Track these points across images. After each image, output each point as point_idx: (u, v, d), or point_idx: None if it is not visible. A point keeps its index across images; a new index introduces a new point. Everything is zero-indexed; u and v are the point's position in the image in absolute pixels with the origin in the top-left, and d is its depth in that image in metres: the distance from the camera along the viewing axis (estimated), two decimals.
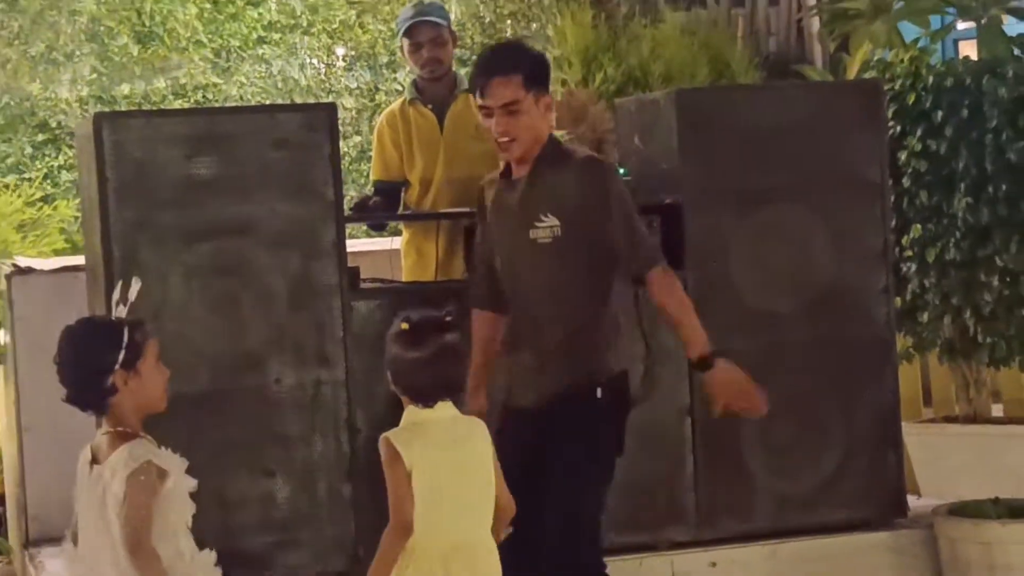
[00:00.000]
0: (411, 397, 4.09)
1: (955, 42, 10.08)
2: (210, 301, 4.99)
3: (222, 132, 5.06)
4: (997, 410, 7.14)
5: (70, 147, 8.32)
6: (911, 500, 5.81)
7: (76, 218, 7.70)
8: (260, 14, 8.89)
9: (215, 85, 8.77)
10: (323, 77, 8.94)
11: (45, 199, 8.04)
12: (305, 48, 8.93)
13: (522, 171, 4.68)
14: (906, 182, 6.50)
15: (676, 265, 5.38)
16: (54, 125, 8.53)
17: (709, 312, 5.41)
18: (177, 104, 8.63)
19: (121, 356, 3.83)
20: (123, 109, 8.34)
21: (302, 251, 5.08)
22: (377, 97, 8.83)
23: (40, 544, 5.90)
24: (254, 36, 8.88)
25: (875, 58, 7.45)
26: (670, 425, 5.42)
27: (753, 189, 5.50)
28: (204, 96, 8.72)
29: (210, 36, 8.79)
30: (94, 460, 3.87)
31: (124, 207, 4.94)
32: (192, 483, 3.88)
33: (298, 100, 8.79)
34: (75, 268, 5.95)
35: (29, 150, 8.49)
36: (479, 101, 4.66)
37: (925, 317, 6.52)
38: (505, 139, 4.63)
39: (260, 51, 8.88)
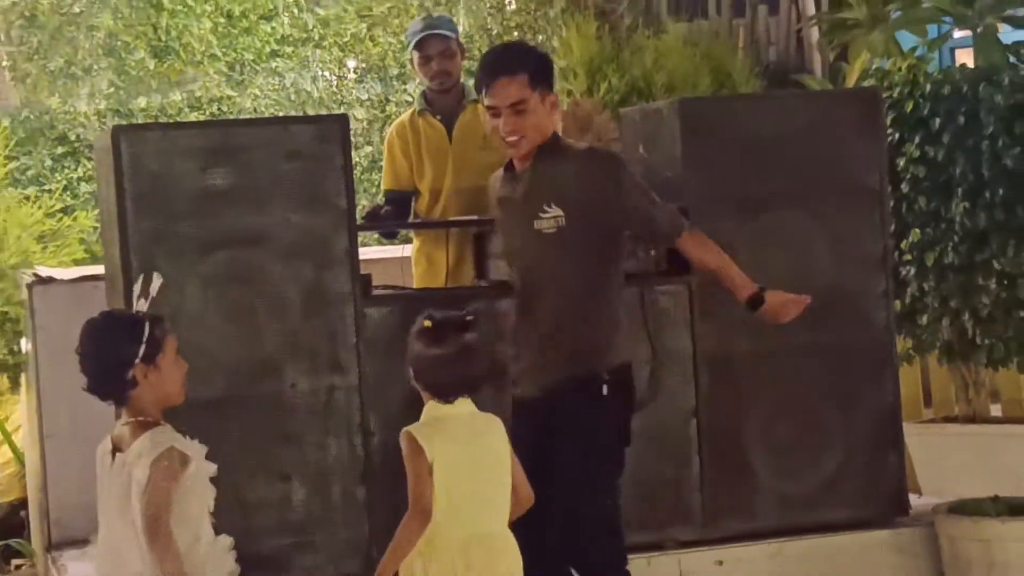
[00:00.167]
0: (432, 393, 4.12)
1: (952, 50, 10.09)
2: (226, 309, 4.99)
3: (237, 144, 5.05)
4: (996, 410, 7.13)
5: (89, 159, 8.32)
6: (912, 499, 5.79)
7: (95, 229, 7.70)
8: (273, 28, 8.88)
9: (229, 98, 8.77)
10: (335, 89, 8.93)
11: (65, 210, 8.04)
12: (317, 61, 8.93)
13: (525, 164, 4.68)
14: (905, 188, 6.50)
15: (680, 270, 5.40)
16: (73, 138, 8.53)
17: (712, 315, 5.43)
18: (193, 117, 8.63)
19: (141, 351, 3.84)
20: (140, 122, 8.34)
21: (315, 259, 5.08)
22: (388, 108, 8.83)
23: (62, 547, 5.91)
24: (267, 50, 8.88)
25: (873, 67, 7.44)
26: (676, 427, 5.41)
27: (755, 196, 5.49)
28: (219, 109, 8.72)
29: (224, 50, 8.79)
30: (116, 449, 3.88)
31: (141, 218, 4.94)
32: (212, 468, 3.91)
33: (311, 112, 8.79)
34: (94, 277, 5.95)
35: (49, 162, 8.49)
36: (485, 101, 4.66)
37: (924, 320, 6.52)
38: (513, 137, 4.63)
39: (273, 64, 8.88)
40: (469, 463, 4.07)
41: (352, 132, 5.27)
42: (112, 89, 8.65)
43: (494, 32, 9.08)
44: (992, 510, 5.52)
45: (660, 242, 4.74)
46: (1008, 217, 6.29)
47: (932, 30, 8.18)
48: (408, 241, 6.52)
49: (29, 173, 8.42)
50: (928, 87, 6.52)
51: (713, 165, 5.46)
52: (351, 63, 8.94)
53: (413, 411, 4.23)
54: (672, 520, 5.42)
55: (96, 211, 7.37)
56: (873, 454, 5.61)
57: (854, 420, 5.57)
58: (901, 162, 6.49)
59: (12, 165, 8.24)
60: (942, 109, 6.44)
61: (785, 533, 5.50)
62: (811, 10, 10.65)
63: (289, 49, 8.90)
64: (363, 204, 6.65)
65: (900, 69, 6.73)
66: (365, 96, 8.95)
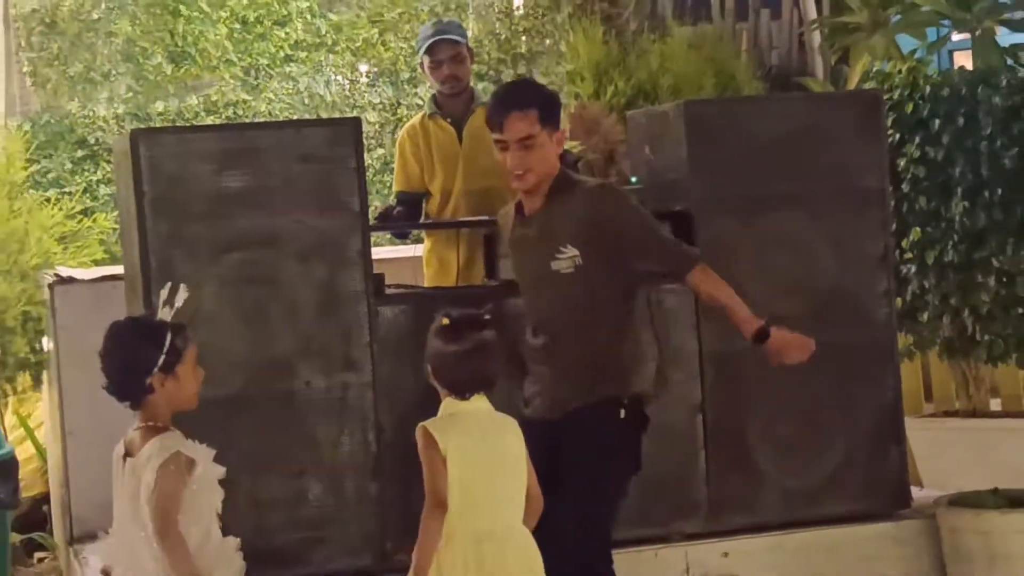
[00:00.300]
0: (449, 389, 4.13)
1: (950, 53, 10.06)
2: (242, 309, 4.98)
3: (252, 147, 5.05)
4: (995, 405, 7.12)
5: (108, 162, 8.32)
6: (914, 492, 5.79)
7: (114, 230, 7.70)
8: (287, 34, 8.88)
9: (245, 102, 8.76)
10: (347, 93, 8.93)
11: (85, 212, 8.04)
12: (330, 65, 8.93)
13: (535, 205, 4.68)
14: (905, 188, 6.48)
15: None
16: (92, 142, 8.53)
17: (717, 315, 5.41)
18: (209, 120, 8.63)
19: (161, 360, 3.86)
20: (158, 126, 8.34)
21: (329, 260, 5.07)
22: (399, 112, 8.82)
23: (83, 541, 5.92)
24: (281, 55, 8.88)
25: (874, 69, 7.42)
26: (682, 423, 5.40)
27: (759, 196, 5.48)
28: (234, 112, 8.72)
29: (240, 55, 8.79)
30: (128, 454, 3.90)
31: (159, 219, 4.94)
32: (220, 471, 3.92)
33: (324, 115, 8.78)
34: (114, 277, 5.96)
35: (69, 165, 8.49)
36: (495, 136, 4.65)
37: (925, 317, 6.50)
38: (520, 171, 4.62)
39: (287, 69, 8.87)
40: (483, 458, 4.07)
41: (364, 135, 5.25)
42: (130, 94, 8.66)
43: (503, 37, 9.06)
44: (992, 502, 5.51)
45: (671, 275, 4.72)
46: (1006, 216, 6.27)
47: (931, 33, 8.15)
48: (420, 241, 6.51)
49: (50, 176, 8.42)
50: (927, 89, 6.51)
51: (717, 166, 5.45)
52: (363, 67, 8.94)
53: (426, 408, 4.23)
54: (679, 513, 5.42)
55: (115, 213, 7.37)
56: (875, 448, 5.60)
57: (856, 415, 5.56)
58: (901, 162, 6.48)
59: (33, 168, 8.24)
60: (941, 110, 6.43)
61: (789, 526, 5.49)
62: (813, 14, 10.62)
63: (303, 54, 8.90)
64: (376, 205, 6.65)
65: (900, 72, 6.71)
66: (377, 100, 8.95)
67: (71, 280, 6.37)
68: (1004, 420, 6.90)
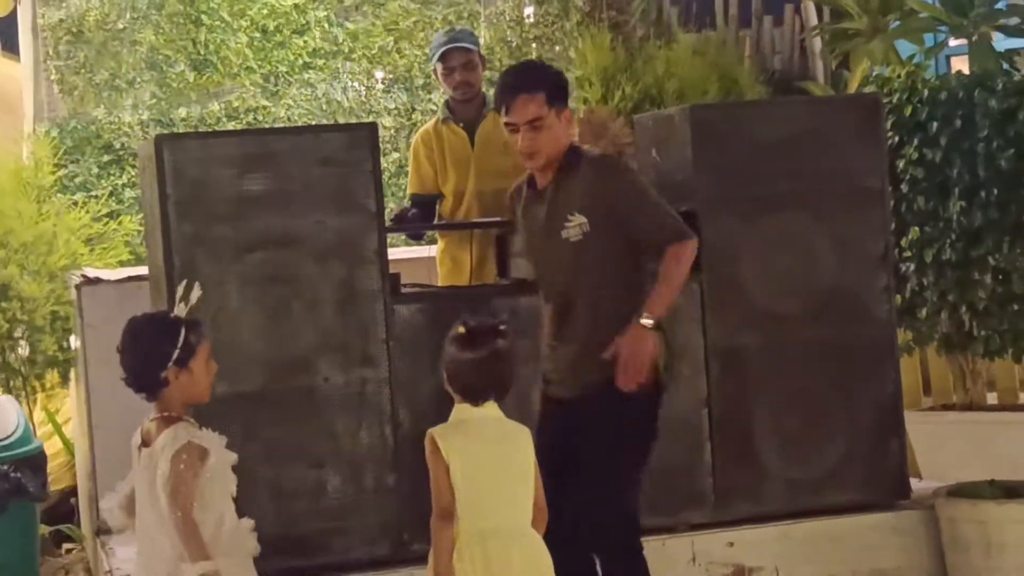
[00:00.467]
0: (463, 395, 4.09)
1: (948, 58, 10.04)
2: (263, 308, 4.99)
3: (272, 151, 5.06)
4: (992, 398, 7.11)
5: (133, 167, 8.33)
6: (913, 483, 5.78)
7: (139, 232, 7.71)
8: (305, 42, 8.88)
9: (265, 108, 8.77)
10: (364, 99, 8.92)
11: (110, 215, 8.05)
12: (347, 72, 8.92)
13: (546, 179, 4.65)
14: (904, 188, 6.47)
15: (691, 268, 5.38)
16: (118, 147, 8.54)
17: (722, 312, 5.42)
18: (230, 126, 8.62)
19: (175, 354, 3.88)
20: (181, 131, 8.35)
21: (347, 260, 5.08)
22: (414, 117, 8.82)
23: (110, 532, 5.92)
24: (300, 62, 8.87)
25: (874, 74, 7.42)
26: (689, 416, 5.40)
27: (762, 197, 5.48)
28: (255, 118, 8.72)
29: (260, 63, 8.79)
30: (144, 443, 3.93)
31: (183, 221, 4.95)
32: (232, 457, 3.94)
33: (341, 120, 8.77)
34: (139, 278, 5.97)
35: (95, 170, 8.49)
36: (504, 118, 4.62)
37: (924, 313, 6.49)
38: (530, 152, 4.60)
39: (306, 76, 8.87)
40: (488, 460, 4.03)
41: (380, 139, 5.25)
42: (154, 100, 8.66)
43: (514, 44, 9.06)
44: (989, 493, 5.50)
45: (654, 244, 4.52)
46: (1002, 215, 6.26)
47: (929, 39, 8.14)
48: (434, 242, 6.51)
49: (77, 180, 8.43)
50: (926, 93, 6.50)
51: (722, 168, 5.44)
52: (379, 74, 8.93)
53: (441, 402, 4.23)
54: (685, 504, 5.42)
55: (140, 215, 7.38)
56: (876, 441, 5.59)
57: (857, 409, 5.56)
58: (900, 164, 6.47)
59: (61, 173, 8.25)
60: (939, 113, 6.42)
61: (792, 516, 5.49)
62: (814, 20, 10.60)
63: (321, 61, 8.89)
64: (391, 207, 6.65)
65: (899, 76, 6.70)
66: (392, 105, 8.94)
67: (97, 280, 6.39)
68: (1001, 413, 6.88)
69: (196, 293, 3.96)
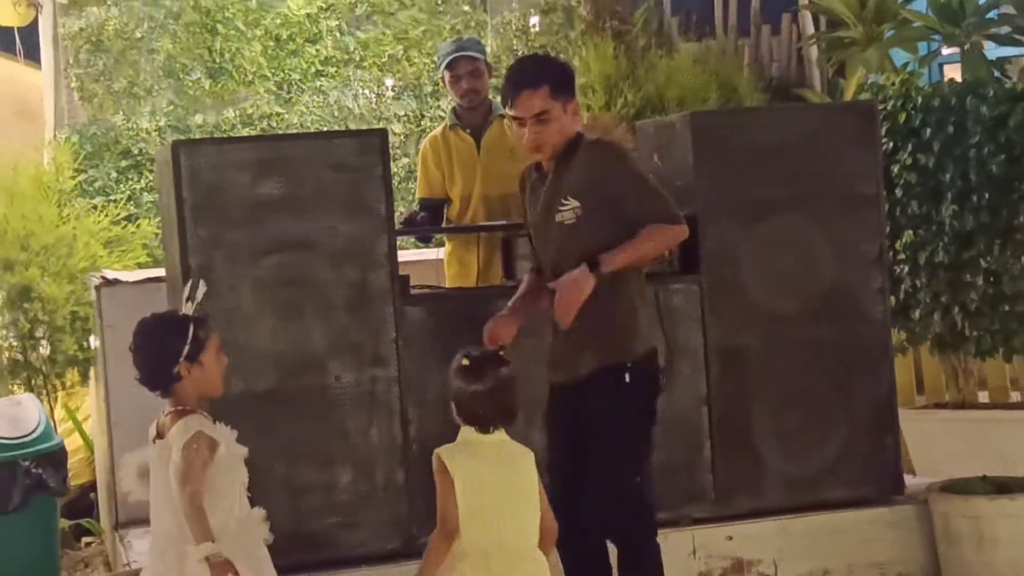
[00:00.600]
0: (472, 424, 4.07)
1: (941, 66, 10.03)
2: (277, 308, 4.99)
3: (285, 156, 5.05)
4: (983, 397, 7.11)
5: (150, 172, 8.34)
6: (907, 479, 5.77)
7: (156, 235, 7.71)
8: (318, 50, 8.88)
9: (278, 114, 8.76)
10: (374, 106, 8.92)
11: (129, 218, 8.05)
12: (358, 80, 8.92)
13: (550, 164, 4.60)
14: (898, 192, 6.47)
15: (692, 270, 5.38)
16: (136, 152, 8.54)
17: (723, 312, 5.41)
18: (245, 132, 8.62)
19: (186, 349, 3.89)
20: (197, 137, 8.35)
21: (358, 262, 5.07)
22: (422, 123, 8.81)
23: (128, 526, 5.92)
24: (312, 70, 8.87)
25: (869, 81, 7.42)
26: (689, 414, 5.40)
27: (761, 201, 5.47)
28: (269, 124, 8.72)
29: (273, 71, 8.79)
30: (159, 435, 3.94)
31: (199, 225, 4.94)
32: (243, 450, 3.95)
33: (352, 127, 8.77)
34: (157, 279, 5.96)
35: (114, 175, 8.49)
36: (510, 112, 4.56)
37: (917, 314, 6.49)
38: (536, 144, 4.56)
39: (318, 83, 8.87)
40: (493, 481, 4.00)
41: (390, 145, 5.25)
42: (171, 107, 8.66)
43: (519, 53, 9.06)
44: (981, 489, 5.49)
45: (638, 221, 4.45)
46: (993, 219, 6.26)
47: (922, 47, 8.14)
48: (441, 244, 6.51)
49: (96, 184, 8.43)
50: (919, 100, 6.49)
51: (722, 173, 5.44)
52: (389, 82, 8.93)
53: (449, 401, 4.22)
54: (686, 499, 5.41)
55: (157, 219, 7.38)
56: (871, 438, 5.58)
57: (853, 407, 5.55)
58: (895, 169, 6.46)
59: (81, 177, 8.26)
60: (932, 120, 6.41)
61: (790, 511, 5.48)
62: (810, 30, 10.61)
63: (332, 69, 8.89)
64: (401, 211, 6.65)
65: (893, 83, 6.69)
66: (402, 112, 8.94)
67: (116, 282, 6.38)
68: (992, 411, 6.87)
69: (201, 291, 3.98)
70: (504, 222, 5.75)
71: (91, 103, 8.61)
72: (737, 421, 5.42)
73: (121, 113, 8.60)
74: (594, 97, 9.11)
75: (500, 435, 4.07)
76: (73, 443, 6.93)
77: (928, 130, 6.40)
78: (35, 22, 9.06)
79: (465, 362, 4.06)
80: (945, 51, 8.10)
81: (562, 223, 4.52)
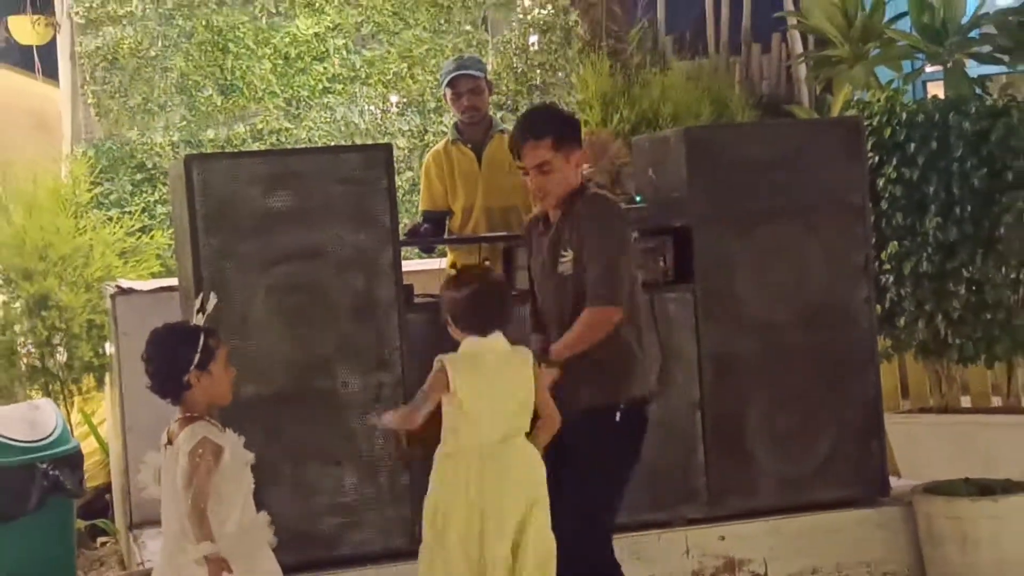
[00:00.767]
0: (470, 330, 4.15)
1: (924, 83, 10.05)
2: (286, 316, 4.98)
3: (294, 170, 5.05)
4: (966, 401, 7.10)
5: (164, 185, 8.34)
6: (893, 481, 5.75)
7: (170, 246, 7.70)
8: (325, 68, 8.88)
9: (287, 130, 8.76)
10: (379, 121, 8.91)
11: (143, 229, 8.05)
12: (364, 97, 8.91)
13: (555, 215, 4.62)
14: (884, 205, 6.47)
15: (686, 279, 5.38)
16: (150, 166, 8.54)
17: (716, 319, 5.41)
18: (255, 146, 8.63)
19: (196, 358, 3.89)
20: (209, 152, 8.35)
21: (364, 272, 5.07)
22: (426, 138, 8.81)
23: (142, 527, 5.92)
24: (320, 87, 8.87)
25: (855, 98, 7.43)
26: (683, 417, 5.39)
27: (752, 212, 5.46)
28: (278, 139, 8.72)
29: (283, 88, 8.79)
30: (169, 441, 3.94)
31: (211, 236, 4.94)
32: (249, 456, 3.96)
33: (358, 142, 8.77)
34: (170, 288, 5.96)
35: (129, 188, 8.49)
36: (516, 163, 4.61)
37: (902, 322, 6.49)
38: (540, 194, 4.59)
39: (325, 100, 8.87)
40: (491, 387, 4.10)
41: (395, 159, 5.25)
42: (184, 123, 8.66)
43: (519, 70, 9.06)
44: (963, 490, 5.48)
45: (585, 297, 4.47)
46: (976, 230, 6.26)
47: (907, 66, 8.14)
48: (444, 255, 6.51)
49: (112, 197, 8.43)
50: (904, 116, 6.50)
51: (715, 186, 5.43)
52: (394, 98, 8.93)
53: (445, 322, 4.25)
54: (680, 500, 5.40)
55: (171, 230, 7.38)
56: (858, 441, 5.57)
57: (841, 411, 5.54)
58: (880, 182, 6.47)
59: (97, 190, 8.26)
60: (916, 135, 6.42)
61: (781, 511, 5.47)
62: (799, 48, 10.63)
63: (339, 86, 8.89)
64: (405, 222, 6.64)
65: (879, 100, 6.70)
66: (406, 127, 8.94)
67: (131, 291, 6.38)
68: (974, 415, 6.87)
69: (212, 302, 3.98)
70: (504, 233, 5.74)
71: (107, 118, 8.61)
72: (729, 425, 5.42)
73: (136, 128, 8.60)
74: (591, 113, 9.12)
75: (500, 343, 4.14)
76: (89, 446, 6.93)
77: (912, 145, 6.41)
78: (53, 41, 9.07)
79: (452, 272, 4.12)
80: (929, 69, 8.12)
81: (562, 275, 4.54)
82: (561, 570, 4.23)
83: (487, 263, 4.20)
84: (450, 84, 6.19)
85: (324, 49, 8.90)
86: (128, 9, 8.56)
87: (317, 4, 8.88)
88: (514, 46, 9.12)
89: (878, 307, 6.13)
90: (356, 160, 5.12)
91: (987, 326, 6.34)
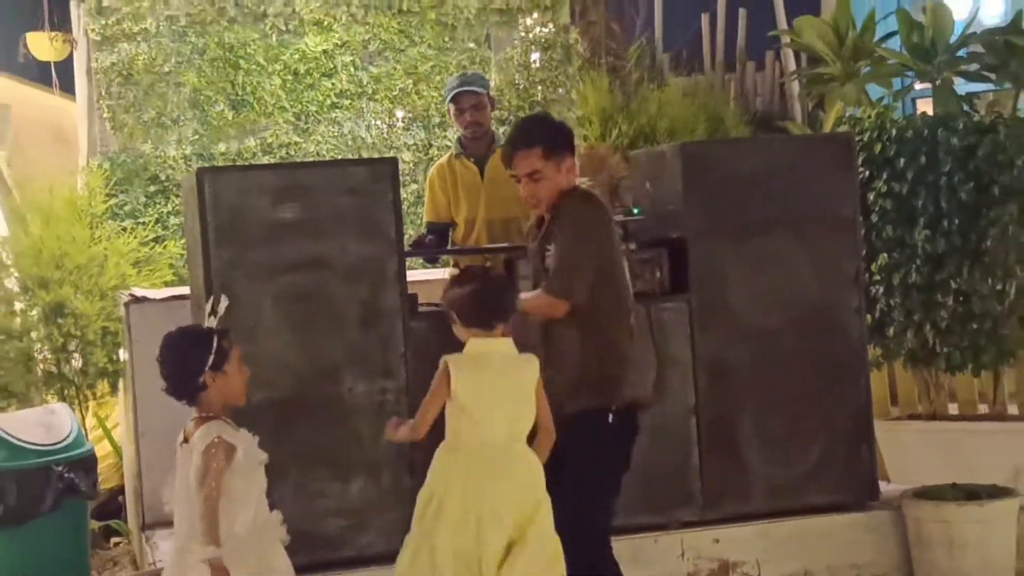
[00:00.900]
0: (475, 326, 4.15)
1: (914, 100, 10.06)
2: (294, 323, 4.99)
3: (303, 183, 5.06)
4: (953, 409, 7.09)
5: (177, 196, 8.34)
6: (882, 486, 5.76)
7: (182, 255, 7.71)
8: (333, 84, 8.89)
9: (296, 144, 8.77)
10: (385, 136, 8.92)
11: (156, 240, 8.05)
12: (370, 112, 8.91)
13: (548, 217, 4.65)
14: (874, 218, 6.47)
15: (681, 289, 5.38)
16: (163, 178, 8.54)
17: (710, 328, 5.41)
18: (265, 160, 8.63)
19: (210, 360, 3.88)
20: (220, 165, 8.35)
21: (370, 281, 5.07)
22: (430, 152, 8.82)
23: (154, 528, 5.91)
24: (328, 102, 8.87)
25: (847, 115, 7.42)
26: (678, 423, 5.39)
27: (746, 225, 5.47)
28: (287, 153, 8.72)
29: (292, 103, 8.79)
30: (185, 440, 3.94)
31: (222, 246, 4.95)
32: (263, 456, 3.95)
33: (365, 155, 8.78)
34: (182, 297, 5.96)
35: (143, 199, 8.49)
36: (508, 171, 4.65)
37: (892, 331, 6.48)
38: (532, 201, 4.61)
39: (333, 115, 8.87)
40: (491, 390, 4.09)
41: (400, 172, 5.25)
42: (196, 136, 8.66)
43: (521, 87, 9.07)
44: (951, 495, 5.48)
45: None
46: (963, 242, 6.26)
47: (897, 83, 8.14)
48: (447, 265, 6.51)
49: (126, 208, 8.43)
50: (894, 132, 6.50)
51: (710, 199, 5.44)
52: (399, 113, 8.93)
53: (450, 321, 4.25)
54: (675, 504, 5.40)
55: (183, 240, 7.38)
56: (849, 447, 5.57)
57: (832, 418, 5.54)
58: (871, 196, 6.46)
59: (112, 201, 8.26)
60: (906, 150, 6.42)
61: (774, 515, 5.47)
62: (792, 66, 10.62)
63: (347, 102, 8.89)
64: (410, 234, 6.65)
65: (869, 117, 6.70)
66: (411, 141, 8.94)
67: (144, 299, 6.38)
68: (961, 422, 6.86)
69: (223, 305, 3.98)
70: (506, 244, 5.74)
71: (122, 132, 8.61)
72: (724, 430, 5.42)
73: (150, 142, 8.60)
74: (590, 128, 9.12)
75: (507, 346, 4.13)
76: (103, 449, 6.93)
77: (902, 160, 6.41)
78: (70, 57, 9.07)
79: (455, 271, 4.12)
80: (918, 86, 8.11)
81: (548, 268, 4.55)
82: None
83: (489, 263, 4.20)
84: (454, 100, 6.20)
85: (332, 66, 8.91)
86: (143, 26, 8.56)
87: (326, 22, 8.89)
88: (516, 63, 9.12)
89: (868, 317, 6.12)
90: (363, 173, 5.12)
91: (974, 336, 6.33)
